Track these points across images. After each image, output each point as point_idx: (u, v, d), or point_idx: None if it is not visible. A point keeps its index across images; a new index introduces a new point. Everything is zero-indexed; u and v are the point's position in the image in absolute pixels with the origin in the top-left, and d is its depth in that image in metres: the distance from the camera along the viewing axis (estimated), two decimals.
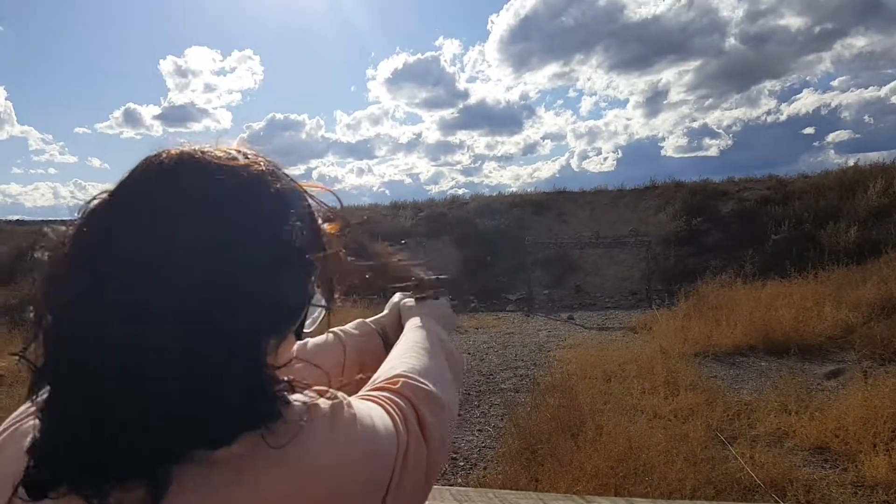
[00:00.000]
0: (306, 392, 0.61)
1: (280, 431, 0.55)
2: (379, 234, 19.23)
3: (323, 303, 0.71)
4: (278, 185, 0.63)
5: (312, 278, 0.67)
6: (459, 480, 4.59)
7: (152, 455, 0.52)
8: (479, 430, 5.62)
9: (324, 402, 0.61)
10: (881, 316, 8.50)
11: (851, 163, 18.78)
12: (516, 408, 5.84)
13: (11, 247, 18.98)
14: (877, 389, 5.39)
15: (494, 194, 23.75)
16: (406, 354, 0.83)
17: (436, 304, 1.11)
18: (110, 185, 0.60)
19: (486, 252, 18.45)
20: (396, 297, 1.18)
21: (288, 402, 0.58)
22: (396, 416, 0.66)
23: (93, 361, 0.52)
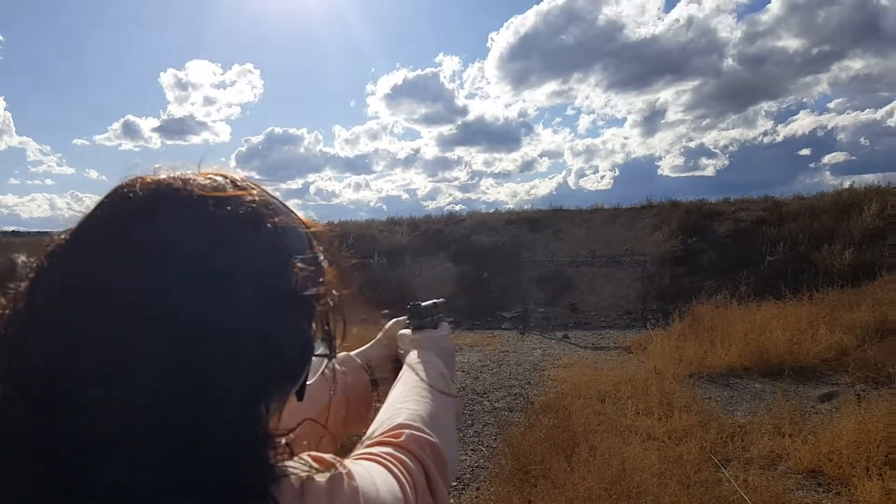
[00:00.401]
0: (300, 457, 0.53)
1: None
2: (376, 251, 19.26)
3: (324, 351, 0.61)
4: (275, 220, 0.55)
5: (313, 326, 0.58)
6: (451, 501, 4.56)
7: None
8: (472, 450, 5.59)
9: (320, 477, 0.52)
10: (875, 339, 8.52)
11: (847, 185, 18.92)
12: (510, 427, 5.82)
13: (6, 258, 18.93)
14: (870, 413, 5.39)
15: (491, 211, 23.84)
16: (407, 398, 0.77)
17: (434, 334, 1.02)
18: (72, 226, 0.51)
19: (482, 269, 18.45)
20: (389, 324, 1.09)
21: (281, 479, 0.50)
22: (403, 478, 0.59)
23: (49, 457, 0.44)
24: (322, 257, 0.60)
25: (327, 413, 0.87)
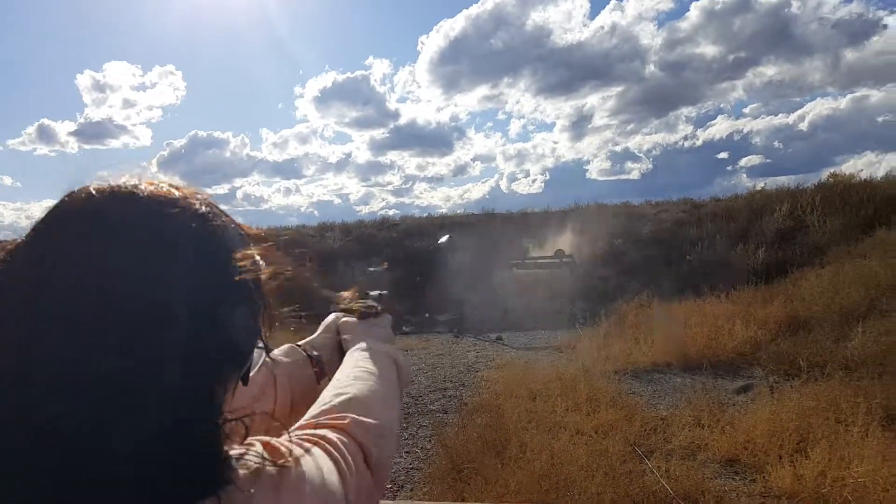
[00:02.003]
0: (252, 441, 0.58)
1: (232, 492, 0.52)
2: (308, 257, 19.00)
3: (262, 343, 0.66)
4: (218, 223, 0.60)
5: (258, 319, 0.64)
6: None
7: None
8: (406, 453, 5.64)
9: (270, 467, 0.57)
10: (787, 333, 9.01)
11: (760, 186, 19.94)
12: (444, 428, 5.90)
13: None
14: (782, 404, 5.73)
15: (425, 216, 23.97)
16: (353, 380, 0.82)
17: (377, 322, 1.09)
18: (24, 234, 0.55)
19: (416, 273, 18.50)
20: (332, 316, 1.14)
21: (229, 456, 0.55)
22: (342, 463, 0.64)
23: (21, 440, 0.47)
24: (258, 257, 0.65)
25: (274, 404, 0.93)
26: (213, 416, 0.55)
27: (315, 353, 1.07)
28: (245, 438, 0.58)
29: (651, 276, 15.46)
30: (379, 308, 1.14)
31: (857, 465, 4.26)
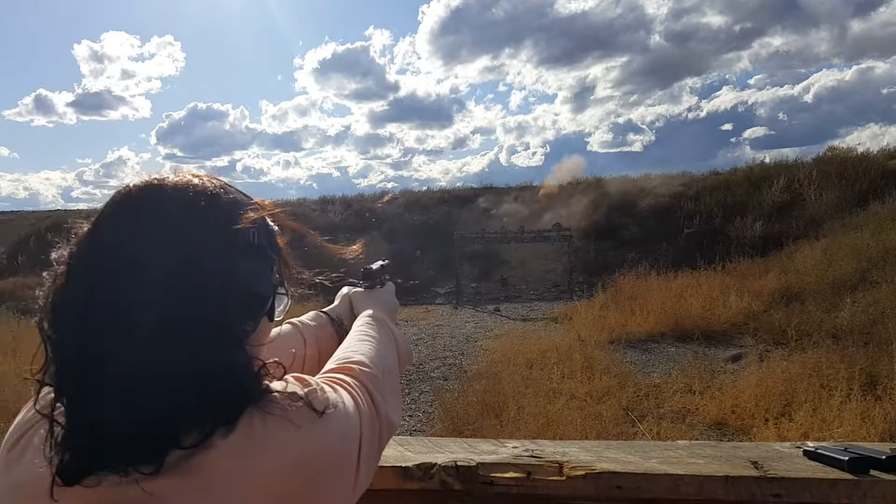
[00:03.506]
0: (286, 378, 0.72)
1: (272, 414, 0.65)
2: (309, 230, 19.18)
3: (284, 291, 0.81)
4: (231, 197, 0.75)
5: (274, 270, 0.78)
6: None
7: (163, 441, 0.60)
8: (409, 416, 5.87)
9: (300, 389, 0.70)
10: (780, 304, 9.23)
11: (767, 159, 20.01)
12: (444, 394, 6.13)
13: None
14: (770, 371, 5.95)
15: (424, 189, 24.06)
16: (358, 343, 0.98)
17: (382, 292, 1.26)
18: (91, 217, 0.70)
19: (415, 247, 18.69)
20: (345, 288, 1.30)
21: (270, 387, 0.68)
22: (357, 398, 0.77)
23: (97, 365, 0.61)
24: (269, 221, 0.80)
25: (304, 359, 1.14)
26: (244, 341, 0.70)
27: (335, 317, 1.26)
28: (282, 378, 0.73)
29: (648, 249, 15.65)
30: (384, 278, 1.30)
31: (838, 426, 4.48)
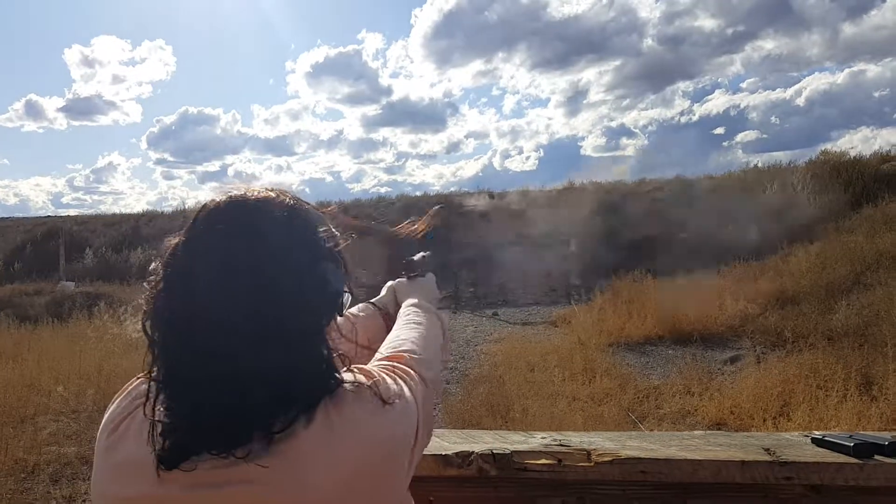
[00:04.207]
0: (352, 369, 0.81)
1: (346, 405, 0.74)
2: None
3: (348, 289, 0.88)
4: (306, 207, 0.84)
5: (343, 271, 0.85)
6: None
7: (254, 428, 0.68)
8: None
9: (366, 380, 0.78)
10: (776, 307, 9.33)
11: (759, 163, 20.17)
12: (448, 397, 6.21)
13: None
14: (767, 371, 6.07)
15: (419, 193, 24.16)
16: (407, 330, 1.09)
17: (423, 282, 1.39)
18: (182, 232, 0.78)
19: (412, 251, 18.75)
20: (390, 282, 1.43)
21: (342, 379, 0.77)
22: (410, 383, 0.85)
23: (198, 363, 0.69)
24: (332, 228, 0.88)
25: (356, 346, 1.22)
26: (324, 340, 0.78)
27: (381, 307, 1.37)
28: (347, 367, 0.83)
29: (644, 253, 15.77)
30: (424, 269, 1.43)
31: (835, 425, 4.58)
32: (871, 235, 10.83)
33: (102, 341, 8.54)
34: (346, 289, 0.88)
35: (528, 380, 6.49)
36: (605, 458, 1.24)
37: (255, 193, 0.81)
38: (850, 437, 1.26)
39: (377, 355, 0.98)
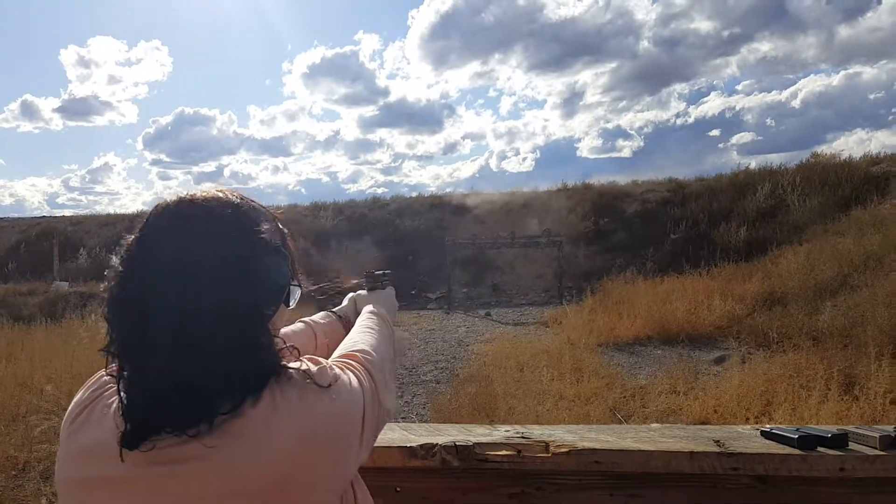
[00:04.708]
0: (301, 359, 0.86)
1: (290, 388, 0.79)
2: (300, 235, 19.33)
3: (297, 284, 0.96)
4: (252, 206, 0.91)
5: (288, 266, 0.92)
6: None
7: (205, 408, 0.73)
8: (402, 418, 6.00)
9: (313, 367, 0.84)
10: (763, 308, 9.44)
11: (753, 164, 20.30)
12: (437, 396, 6.28)
13: None
14: (752, 371, 6.15)
15: (415, 195, 24.23)
16: (361, 334, 1.16)
17: (383, 293, 1.47)
18: (137, 230, 0.84)
19: (407, 252, 18.84)
20: (352, 293, 1.52)
21: (287, 366, 0.82)
22: (359, 376, 0.91)
23: (152, 347, 0.75)
24: (280, 226, 0.96)
25: (315, 350, 1.30)
26: (265, 326, 0.83)
27: (342, 315, 1.46)
28: (297, 357, 0.88)
29: (636, 254, 15.87)
30: (384, 282, 1.52)
31: (815, 424, 4.65)
32: (860, 237, 10.92)
33: (95, 341, 8.55)
34: (294, 283, 0.94)
35: (517, 379, 6.55)
36: (563, 450, 1.30)
37: (204, 194, 0.88)
38: (797, 430, 1.33)
39: (333, 354, 1.04)
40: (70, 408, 0.86)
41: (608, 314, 9.92)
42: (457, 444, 1.33)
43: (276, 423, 0.76)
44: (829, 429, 1.34)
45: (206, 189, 0.90)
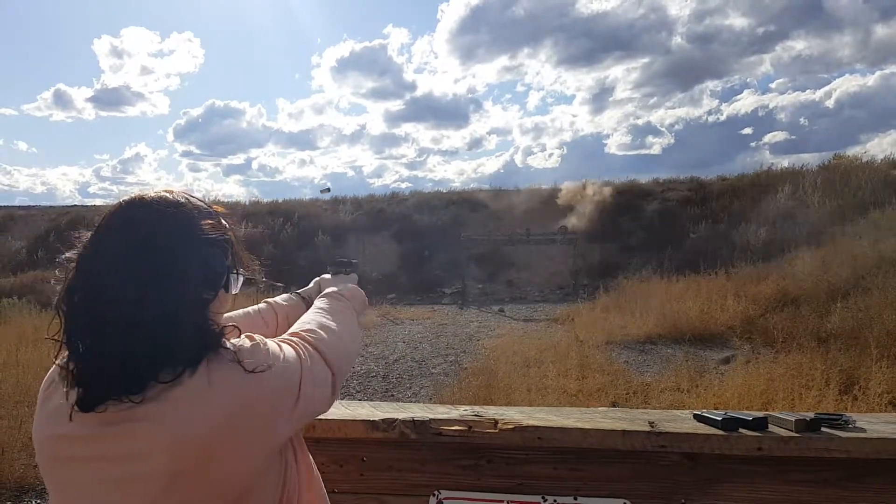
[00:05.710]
0: (242, 336, 0.98)
1: (223, 361, 0.90)
2: (320, 229, 19.57)
3: (237, 272, 1.06)
4: (192, 204, 1.01)
5: (228, 256, 1.02)
6: None
7: (147, 377, 0.86)
8: None
9: (247, 343, 0.95)
10: (776, 309, 9.44)
11: (785, 163, 20.16)
12: (443, 389, 6.43)
13: None
14: (755, 369, 6.22)
15: (435, 190, 24.41)
16: (313, 314, 1.26)
17: (346, 279, 1.56)
18: (94, 227, 0.96)
19: (424, 247, 19.01)
20: (318, 277, 1.62)
21: (224, 343, 0.93)
22: (299, 348, 1.03)
23: (100, 328, 0.87)
24: (224, 222, 1.05)
25: (276, 330, 1.43)
26: (206, 306, 0.95)
27: (306, 297, 1.55)
28: (237, 335, 0.99)
29: (653, 253, 15.87)
30: (349, 269, 1.60)
31: None
32: (876, 240, 10.87)
33: None
34: (236, 271, 1.06)
35: (522, 374, 6.67)
36: (509, 427, 1.45)
37: (153, 195, 0.99)
38: (725, 413, 1.46)
39: (286, 333, 1.16)
40: (43, 383, 1.00)
41: (621, 312, 10.00)
42: (415, 419, 1.48)
43: (207, 393, 0.88)
44: (752, 413, 1.48)
45: (159, 190, 1.01)
